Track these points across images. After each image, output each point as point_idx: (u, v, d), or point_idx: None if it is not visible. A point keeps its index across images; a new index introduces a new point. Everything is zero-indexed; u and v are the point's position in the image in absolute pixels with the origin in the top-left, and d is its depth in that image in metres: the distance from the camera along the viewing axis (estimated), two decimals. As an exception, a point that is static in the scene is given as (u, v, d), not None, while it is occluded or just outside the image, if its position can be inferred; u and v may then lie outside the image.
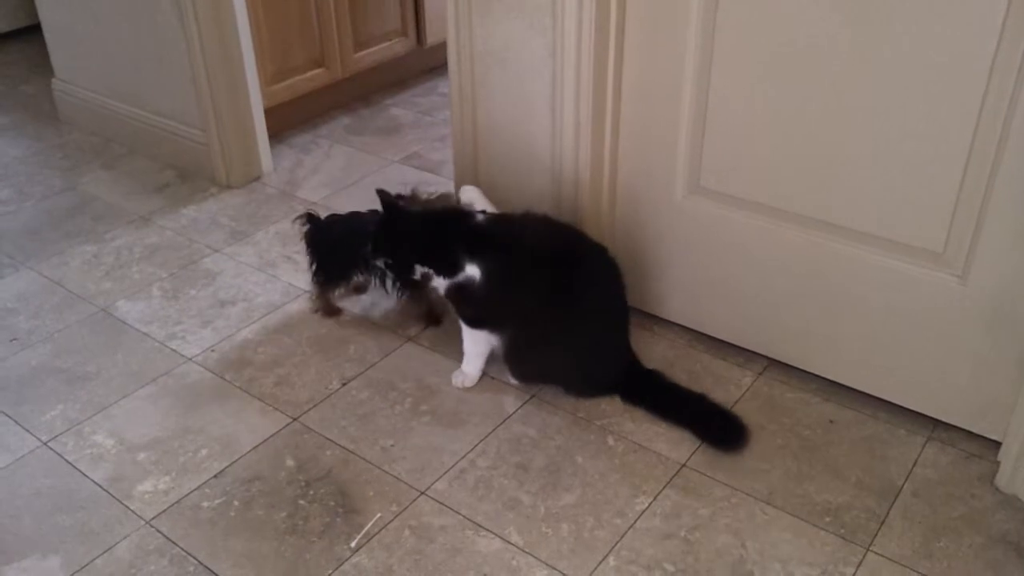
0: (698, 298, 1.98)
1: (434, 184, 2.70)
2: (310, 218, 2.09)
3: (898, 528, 1.57)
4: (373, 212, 1.99)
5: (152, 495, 1.67)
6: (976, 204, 1.55)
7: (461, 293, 1.79)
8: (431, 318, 2.07)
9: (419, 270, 1.81)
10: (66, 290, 2.26)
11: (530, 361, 1.84)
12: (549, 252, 1.78)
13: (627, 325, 1.87)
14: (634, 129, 1.90)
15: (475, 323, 1.84)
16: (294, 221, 2.13)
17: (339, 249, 2.06)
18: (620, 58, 1.84)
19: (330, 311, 2.14)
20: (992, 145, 1.49)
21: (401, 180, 2.75)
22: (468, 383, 1.90)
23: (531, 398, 1.87)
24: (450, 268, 1.77)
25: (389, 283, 2.02)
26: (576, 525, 1.59)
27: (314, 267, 2.09)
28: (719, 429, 1.75)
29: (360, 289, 2.18)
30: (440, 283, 1.81)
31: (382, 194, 1.82)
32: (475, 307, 1.81)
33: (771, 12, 1.62)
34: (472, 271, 1.75)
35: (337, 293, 2.14)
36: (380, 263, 1.89)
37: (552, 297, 1.76)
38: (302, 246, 2.12)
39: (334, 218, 2.13)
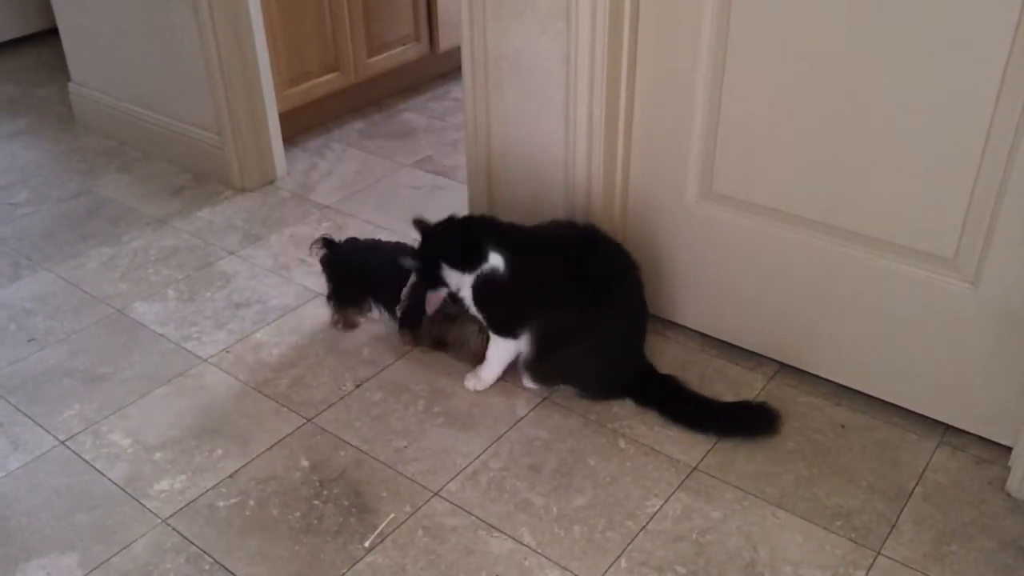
0: (710, 302, 1.98)
1: (446, 187, 2.73)
2: (327, 243, 2.08)
3: (909, 532, 1.57)
4: (397, 244, 2.03)
5: (168, 494, 1.69)
6: (987, 209, 1.55)
7: (487, 290, 1.78)
8: (439, 344, 2.03)
9: (447, 273, 1.80)
10: (83, 291, 2.29)
11: (552, 360, 1.83)
12: (574, 244, 1.80)
13: (645, 331, 1.89)
14: (647, 133, 1.91)
15: (505, 328, 1.83)
16: (311, 247, 2.11)
17: (356, 277, 2.06)
18: (633, 63, 1.85)
19: (349, 324, 2.13)
20: (1004, 150, 1.50)
21: (413, 184, 2.77)
22: (480, 387, 1.91)
23: (543, 401, 1.88)
24: (473, 260, 1.77)
25: (395, 311, 2.02)
26: (588, 527, 1.60)
27: (330, 290, 2.10)
28: (746, 420, 1.78)
29: (352, 325, 2.13)
30: (466, 287, 1.80)
31: (418, 223, 1.86)
32: (502, 305, 1.81)
33: (784, 19, 1.63)
34: (496, 261, 1.76)
35: (354, 311, 2.12)
36: (410, 265, 1.88)
37: (579, 290, 1.77)
38: (317, 259, 2.12)
39: (353, 244, 2.11)
